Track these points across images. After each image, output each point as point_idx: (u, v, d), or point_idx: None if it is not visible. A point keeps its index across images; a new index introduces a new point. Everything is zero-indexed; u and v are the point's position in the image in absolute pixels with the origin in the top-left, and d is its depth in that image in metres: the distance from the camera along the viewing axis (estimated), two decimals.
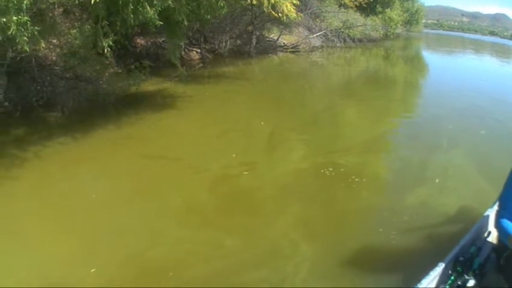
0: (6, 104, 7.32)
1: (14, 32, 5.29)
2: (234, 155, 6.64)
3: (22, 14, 5.34)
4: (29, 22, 5.41)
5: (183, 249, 4.58)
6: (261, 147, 7.41)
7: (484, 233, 3.73)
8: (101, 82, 9.26)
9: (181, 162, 6.31)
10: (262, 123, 8.58)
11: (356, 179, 6.11)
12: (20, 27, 5.34)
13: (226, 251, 4.59)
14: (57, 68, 8.95)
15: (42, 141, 6.38)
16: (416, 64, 17.18)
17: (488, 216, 3.89)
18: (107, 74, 9.62)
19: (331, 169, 6.37)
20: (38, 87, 8.24)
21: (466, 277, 3.27)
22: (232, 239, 4.77)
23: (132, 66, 9.69)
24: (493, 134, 8.27)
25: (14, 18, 5.24)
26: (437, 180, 6.19)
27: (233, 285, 4.06)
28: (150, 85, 9.98)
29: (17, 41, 5.44)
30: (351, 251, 4.57)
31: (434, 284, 3.26)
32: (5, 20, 5.17)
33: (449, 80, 13.04)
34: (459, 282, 3.28)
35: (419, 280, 3.21)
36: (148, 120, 7.98)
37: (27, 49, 5.63)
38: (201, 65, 13.78)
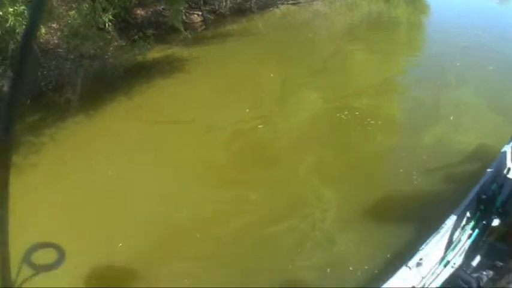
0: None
1: (12, 23, 5.25)
2: (247, 110, 6.55)
3: (18, 5, 5.29)
4: (25, 11, 5.32)
5: (207, 209, 4.59)
6: (272, 99, 7.31)
7: (503, 170, 3.67)
8: (106, 57, 9.14)
9: (195, 124, 6.26)
10: (272, 75, 8.47)
11: (372, 121, 6.04)
12: (18, 18, 5.29)
13: (251, 205, 4.63)
14: (61, 50, 8.85)
15: (56, 123, 6.37)
16: (418, 5, 16.62)
17: (505, 152, 3.82)
18: (111, 48, 9.47)
19: (346, 113, 6.28)
20: (45, 72, 8.19)
21: (491, 216, 3.23)
22: (255, 193, 4.79)
23: (136, 37, 9.54)
24: (501, 70, 8.03)
25: (10, 9, 5.20)
26: (451, 118, 6.10)
27: (264, 239, 4.15)
28: (155, 52, 9.82)
29: (17, 31, 5.40)
30: (375, 194, 4.56)
31: (459, 222, 3.25)
32: (1, 13, 5.15)
33: (452, 18, 12.64)
34: (484, 222, 3.25)
35: (443, 220, 3.22)
36: (158, 87, 7.89)
37: None
38: (204, 27, 13.52)
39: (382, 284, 2.90)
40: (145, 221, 4.41)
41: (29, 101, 7.18)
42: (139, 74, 8.45)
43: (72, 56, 8.94)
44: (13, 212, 0.95)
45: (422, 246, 3.07)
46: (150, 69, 8.87)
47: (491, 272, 2.73)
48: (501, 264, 2.89)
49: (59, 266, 1.09)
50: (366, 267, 3.81)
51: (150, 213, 4.51)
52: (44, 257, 1.17)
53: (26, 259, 1.08)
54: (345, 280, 3.75)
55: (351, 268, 3.86)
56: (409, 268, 2.98)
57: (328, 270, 3.88)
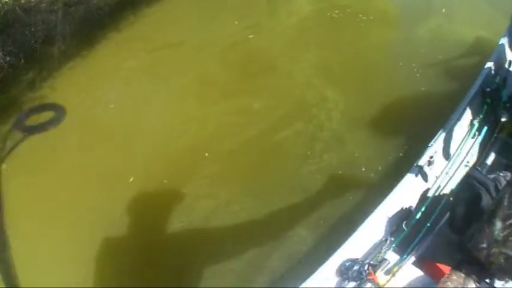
0: (8, 58, 7.09)
1: None
2: (235, 23, 6.15)
3: None
4: None
5: (212, 126, 4.53)
6: (259, 7, 6.82)
7: (504, 63, 3.46)
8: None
9: (187, 45, 5.92)
10: None
11: (363, 17, 5.74)
12: None
13: (255, 115, 4.54)
14: (43, 4, 8.54)
15: (52, 73, 6.03)
16: None
17: (503, 45, 3.60)
18: None
19: (337, 11, 5.94)
20: (32, 29, 7.91)
21: (499, 111, 3.05)
22: (257, 102, 4.67)
23: None
24: None
25: None
26: (443, 10, 5.72)
27: (273, 145, 4.19)
28: None
29: None
30: (378, 89, 4.43)
31: (467, 117, 3.11)
32: None
33: None
34: (492, 118, 3.09)
35: (450, 114, 3.08)
36: (145, 16, 7.35)
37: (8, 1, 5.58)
38: None
39: (396, 184, 2.81)
40: (153, 150, 4.36)
41: (22, 60, 6.99)
42: (125, 7, 7.98)
43: (56, 7, 8.58)
44: None
45: (431, 143, 2.93)
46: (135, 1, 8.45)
47: (508, 174, 2.52)
48: None
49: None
50: (380, 167, 3.78)
51: (156, 141, 4.45)
52: None
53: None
54: (359, 182, 3.74)
55: (363, 169, 3.84)
56: (420, 167, 2.87)
57: (340, 172, 3.87)
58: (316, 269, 2.53)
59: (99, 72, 5.85)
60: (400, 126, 3.98)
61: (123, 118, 4.84)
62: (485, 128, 2.99)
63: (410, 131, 3.84)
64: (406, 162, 3.22)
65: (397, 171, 3.25)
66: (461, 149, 2.94)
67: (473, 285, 2.10)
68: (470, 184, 2.49)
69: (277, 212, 3.71)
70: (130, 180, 4.10)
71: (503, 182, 2.47)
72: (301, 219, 3.63)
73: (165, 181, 4.05)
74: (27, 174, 4.30)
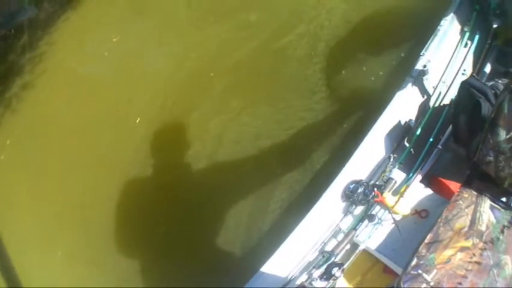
0: None
1: None
2: None
3: None
4: None
5: (212, 46, 4.40)
6: None
7: None
8: None
9: None
10: None
11: None
12: None
13: (253, 27, 4.42)
14: None
15: (46, 30, 5.55)
16: None
17: None
18: None
19: None
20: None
21: (489, 18, 2.84)
22: (253, 13, 4.52)
23: None
24: None
25: None
26: None
27: (277, 51, 4.14)
28: None
29: None
30: None
31: (457, 23, 2.91)
32: None
33: None
34: (483, 25, 2.90)
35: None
36: None
37: None
38: None
39: (391, 97, 2.70)
40: (156, 86, 4.29)
41: (12, 31, 6.60)
42: None
43: None
44: None
45: (423, 52, 2.78)
46: None
47: (506, 80, 2.44)
48: None
49: None
50: (381, 72, 3.74)
51: (158, 76, 4.35)
52: None
53: None
54: (363, 87, 3.75)
55: (364, 68, 3.83)
56: (414, 78, 2.75)
57: (344, 72, 3.88)
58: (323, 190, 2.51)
59: (92, 20, 5.45)
60: (398, 31, 3.86)
61: (121, 62, 4.63)
62: (477, 36, 2.85)
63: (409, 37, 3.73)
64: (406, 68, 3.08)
65: (398, 75, 3.23)
66: (455, 57, 2.81)
67: (488, 204, 2.09)
68: (469, 93, 2.41)
69: (288, 115, 3.83)
70: (137, 121, 4.06)
71: (502, 88, 2.37)
72: (311, 121, 3.75)
73: (174, 112, 4.06)
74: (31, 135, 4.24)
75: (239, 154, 3.77)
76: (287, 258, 2.45)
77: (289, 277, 2.41)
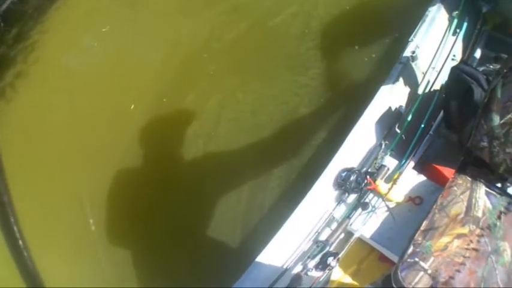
0: None
1: None
2: None
3: None
4: None
5: (204, 30, 4.31)
6: None
7: None
8: None
9: None
10: None
11: None
12: None
13: (246, 8, 4.33)
14: None
15: (40, 19, 5.26)
16: None
17: None
18: None
19: None
20: None
21: (478, 3, 2.79)
22: None
23: None
24: None
25: None
26: None
27: (270, 31, 4.12)
28: None
29: None
30: None
31: (444, 8, 2.86)
32: None
33: None
34: (472, 10, 2.86)
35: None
36: None
37: None
38: None
39: (381, 83, 2.68)
40: (149, 72, 4.20)
41: (1, 24, 6.41)
42: None
43: None
44: None
45: (411, 38, 2.75)
46: None
47: (498, 66, 2.44)
48: (505, 56, 2.66)
49: None
50: (373, 55, 3.73)
51: (150, 63, 4.27)
52: None
53: None
54: (356, 66, 3.75)
55: (356, 47, 3.82)
56: (403, 64, 2.71)
57: (337, 50, 3.89)
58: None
59: (82, 11, 5.21)
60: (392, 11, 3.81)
61: (111, 52, 4.51)
62: (466, 21, 2.82)
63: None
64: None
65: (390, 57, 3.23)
66: (444, 43, 2.78)
67: (483, 190, 2.07)
68: (460, 78, 2.39)
69: (283, 90, 3.84)
70: (132, 107, 3.98)
71: (493, 73, 2.36)
72: (305, 97, 3.75)
73: (169, 96, 3.99)
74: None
75: (236, 132, 3.77)
76: (281, 248, 2.42)
77: (284, 267, 2.38)
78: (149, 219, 3.61)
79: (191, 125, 3.83)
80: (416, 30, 2.75)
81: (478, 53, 2.82)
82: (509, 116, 1.99)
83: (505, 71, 2.00)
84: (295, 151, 3.54)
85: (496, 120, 2.03)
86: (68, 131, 3.96)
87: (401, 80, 2.71)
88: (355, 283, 2.41)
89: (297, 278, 2.25)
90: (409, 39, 2.74)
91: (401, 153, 2.52)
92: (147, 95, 4.01)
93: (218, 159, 3.71)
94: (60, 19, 5.00)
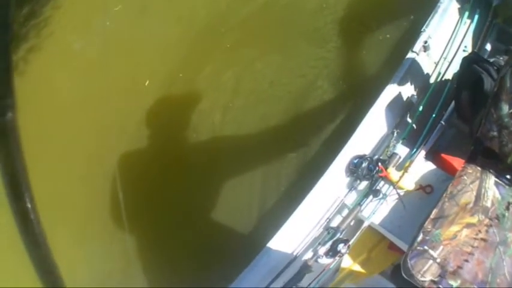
0: None
1: None
2: None
3: None
4: None
5: (220, 5, 4.23)
6: None
7: None
8: None
9: None
10: None
11: None
12: None
13: None
14: None
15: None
16: None
17: None
18: None
19: None
20: None
21: None
22: None
23: None
24: None
25: None
26: None
27: (288, 3, 4.06)
28: None
29: None
30: None
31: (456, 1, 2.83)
32: None
33: None
34: (483, 2, 2.81)
35: None
36: None
37: None
38: None
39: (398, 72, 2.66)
40: (165, 46, 4.15)
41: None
42: None
43: None
44: None
45: (423, 28, 2.73)
46: None
47: (507, 57, 2.36)
48: None
49: None
50: (388, 35, 3.75)
51: (166, 37, 4.20)
52: None
53: None
54: (371, 44, 3.75)
55: (373, 25, 3.83)
56: (416, 53, 2.69)
57: (354, 26, 3.87)
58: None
59: None
60: None
61: (124, 31, 4.43)
62: (477, 13, 2.79)
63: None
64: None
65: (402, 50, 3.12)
66: (456, 34, 2.76)
67: (493, 181, 2.07)
68: (471, 69, 2.38)
69: (300, 63, 3.84)
70: (146, 83, 3.95)
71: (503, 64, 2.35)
72: (323, 70, 3.76)
73: (185, 70, 3.97)
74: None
75: (254, 103, 3.81)
76: (292, 234, 2.43)
77: (295, 253, 2.40)
78: (162, 199, 3.65)
79: (208, 98, 3.84)
80: (428, 20, 2.74)
81: (488, 46, 2.80)
82: None
83: None
84: (308, 135, 3.57)
85: (505, 109, 2.02)
86: (82, 106, 3.94)
87: (413, 69, 2.69)
88: (365, 271, 2.43)
89: (307, 264, 2.27)
90: (422, 30, 2.72)
91: (412, 142, 2.51)
92: (162, 71, 3.99)
93: (232, 136, 3.76)
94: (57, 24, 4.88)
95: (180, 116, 3.86)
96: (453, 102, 2.53)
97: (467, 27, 2.80)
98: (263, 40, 4.03)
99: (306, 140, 3.56)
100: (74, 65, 4.28)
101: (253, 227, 3.37)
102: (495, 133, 2.08)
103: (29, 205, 0.82)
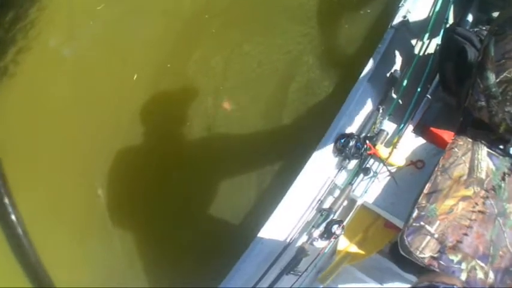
0: None
1: None
2: None
3: None
4: None
5: None
6: None
7: None
8: None
9: None
10: None
11: None
12: None
13: None
14: None
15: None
16: None
17: None
18: None
19: None
20: None
21: None
22: None
23: None
24: None
25: None
26: None
27: None
28: None
29: None
30: None
31: None
32: None
33: None
34: None
35: None
36: None
37: None
38: None
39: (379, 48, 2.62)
40: (151, 42, 4.05)
41: None
42: None
43: None
44: None
45: (402, 3, 2.69)
46: None
47: (488, 26, 2.35)
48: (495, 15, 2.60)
49: None
50: (368, 10, 3.75)
51: (152, 33, 4.10)
52: None
53: None
54: (354, 19, 3.76)
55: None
56: (396, 28, 2.65)
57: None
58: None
59: None
60: None
61: (108, 29, 4.32)
62: None
63: None
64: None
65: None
66: (436, 6, 2.68)
67: (485, 151, 2.04)
68: (453, 40, 2.33)
69: (287, 41, 3.82)
70: (134, 78, 3.86)
71: (486, 34, 2.29)
72: (307, 45, 3.76)
73: (173, 60, 3.90)
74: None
75: (244, 83, 3.81)
76: (284, 220, 2.39)
77: (288, 240, 2.35)
78: (157, 197, 3.59)
79: (198, 84, 3.81)
80: None
81: (470, 17, 2.74)
82: (505, 74, 1.95)
83: (496, 28, 1.96)
84: (296, 116, 3.58)
85: (492, 78, 1.98)
86: (73, 106, 3.86)
87: (394, 44, 2.65)
88: (362, 252, 2.40)
89: (303, 248, 2.23)
90: (400, 4, 2.68)
91: (399, 118, 2.46)
92: (149, 63, 3.92)
93: (226, 124, 3.73)
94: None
95: (172, 106, 3.82)
96: (438, 75, 2.49)
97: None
98: (248, 22, 3.99)
99: (296, 122, 3.56)
100: (62, 67, 4.17)
101: (246, 214, 3.33)
102: (483, 103, 2.04)
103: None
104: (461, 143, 2.09)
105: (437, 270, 1.74)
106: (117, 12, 4.28)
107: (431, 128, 2.46)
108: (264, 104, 3.71)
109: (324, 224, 2.27)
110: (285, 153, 3.42)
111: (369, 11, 3.70)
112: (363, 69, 2.58)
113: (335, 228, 2.19)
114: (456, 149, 2.07)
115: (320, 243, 2.25)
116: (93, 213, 3.58)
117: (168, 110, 3.79)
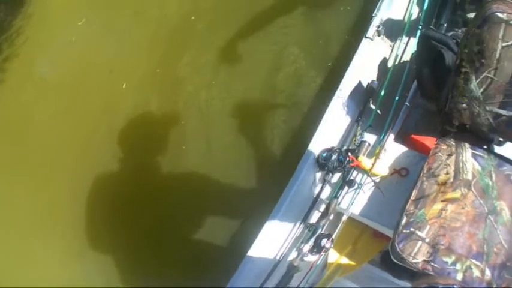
0: None
1: None
2: None
3: None
4: None
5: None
6: None
7: None
8: None
9: None
10: None
11: None
12: None
13: None
14: None
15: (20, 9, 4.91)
16: None
17: None
18: None
19: None
20: None
21: None
22: None
23: None
24: None
25: None
26: None
27: None
28: None
29: None
30: None
31: None
32: None
33: None
34: None
35: None
36: None
37: None
38: None
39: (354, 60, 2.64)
40: (138, 51, 4.09)
41: None
42: None
43: None
44: None
45: (374, 13, 2.70)
46: None
47: (464, 29, 2.40)
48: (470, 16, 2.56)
49: None
50: (345, 8, 3.84)
51: (138, 42, 4.14)
52: None
53: None
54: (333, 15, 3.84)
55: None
56: (370, 39, 2.67)
57: None
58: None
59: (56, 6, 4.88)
60: None
61: (92, 43, 4.30)
62: None
63: None
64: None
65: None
66: (409, 13, 2.71)
67: (469, 153, 2.01)
68: (429, 45, 2.32)
69: (272, 32, 3.91)
70: (123, 86, 3.86)
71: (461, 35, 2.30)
72: (292, 37, 3.85)
73: (161, 67, 3.95)
74: None
75: (235, 77, 3.86)
76: (272, 237, 2.32)
77: (278, 257, 2.28)
78: (142, 217, 3.56)
79: (190, 83, 3.85)
80: (379, 4, 2.69)
81: (445, 20, 2.74)
82: (485, 74, 1.93)
83: (473, 29, 1.94)
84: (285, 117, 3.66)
85: (472, 79, 1.96)
86: (62, 119, 3.85)
87: (369, 55, 2.64)
88: (353, 263, 2.34)
89: (294, 264, 2.16)
90: (373, 14, 2.68)
91: (380, 128, 2.43)
92: (138, 71, 3.93)
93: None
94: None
95: (164, 109, 3.83)
96: (415, 82, 2.47)
97: (421, 4, 2.74)
98: (234, 17, 4.01)
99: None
100: (46, 87, 4.14)
101: (233, 235, 3.29)
102: (465, 105, 2.02)
103: None
104: (444, 147, 2.05)
105: (432, 273, 1.68)
106: (99, 26, 4.32)
107: (413, 135, 2.42)
108: (256, 99, 3.77)
109: (312, 239, 2.21)
110: (266, 169, 3.43)
111: (348, 8, 3.80)
112: (340, 79, 2.56)
113: (324, 242, 2.14)
114: (440, 154, 2.03)
115: (311, 258, 2.19)
116: (83, 227, 3.52)
117: (161, 114, 3.81)
